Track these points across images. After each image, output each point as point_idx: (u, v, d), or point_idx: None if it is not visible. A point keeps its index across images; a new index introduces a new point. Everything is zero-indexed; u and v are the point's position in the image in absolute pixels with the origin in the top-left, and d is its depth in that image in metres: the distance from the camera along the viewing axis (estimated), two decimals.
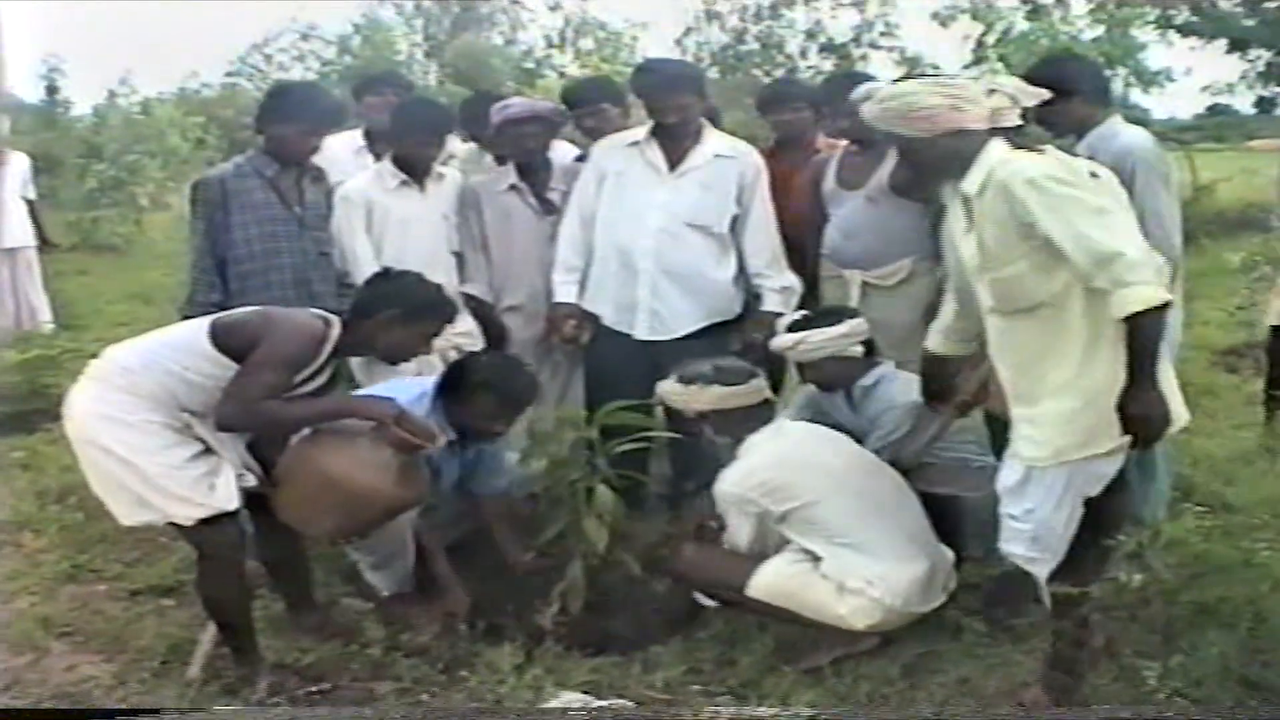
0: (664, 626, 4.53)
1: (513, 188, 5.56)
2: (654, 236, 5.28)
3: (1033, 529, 3.81)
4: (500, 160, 5.83)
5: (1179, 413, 3.69)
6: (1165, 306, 3.45)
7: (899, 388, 4.71)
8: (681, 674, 4.17)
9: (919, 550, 4.32)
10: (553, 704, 3.90)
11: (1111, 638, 4.03)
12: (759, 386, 4.50)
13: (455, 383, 4.63)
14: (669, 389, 4.53)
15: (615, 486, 4.49)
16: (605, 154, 5.44)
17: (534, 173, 5.58)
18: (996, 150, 3.71)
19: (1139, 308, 3.43)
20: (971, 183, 3.73)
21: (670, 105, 5.24)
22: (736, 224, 5.35)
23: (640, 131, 5.38)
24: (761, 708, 3.91)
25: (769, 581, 4.25)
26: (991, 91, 3.91)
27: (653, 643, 4.40)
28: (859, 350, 4.76)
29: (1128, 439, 3.60)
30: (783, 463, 4.36)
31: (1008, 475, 3.86)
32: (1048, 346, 3.70)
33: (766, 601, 4.27)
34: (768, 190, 5.35)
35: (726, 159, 5.32)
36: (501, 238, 5.51)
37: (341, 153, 5.83)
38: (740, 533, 4.35)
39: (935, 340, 4.29)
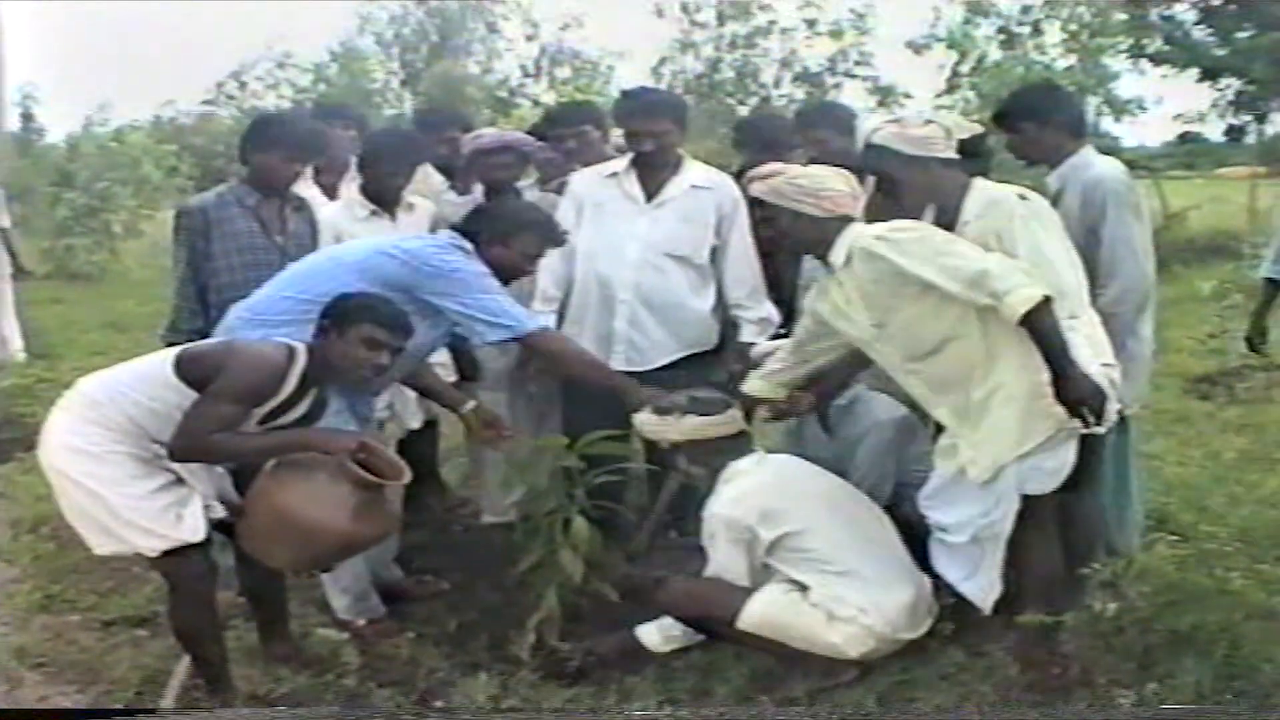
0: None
1: None
2: (633, 268, 5.27)
3: (967, 537, 4.08)
4: (461, 192, 5.86)
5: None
6: (1048, 300, 3.80)
7: (876, 406, 4.75)
8: (657, 704, 4.16)
9: (905, 576, 4.33)
10: None
11: (1087, 666, 4.05)
12: (734, 418, 4.51)
13: (493, 224, 4.62)
14: (644, 420, 4.53)
15: (592, 517, 4.48)
16: (584, 185, 5.42)
17: None
18: (853, 229, 4.16)
19: (1026, 308, 3.78)
20: (838, 256, 4.18)
21: (646, 132, 5.22)
22: (716, 255, 5.34)
23: (620, 163, 5.37)
24: None
25: (761, 613, 4.25)
26: (928, 122, 4.14)
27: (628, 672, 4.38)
28: None
29: (1061, 428, 3.91)
30: (774, 488, 4.40)
31: (934, 481, 4.18)
32: (966, 373, 4.01)
33: (756, 634, 4.28)
34: (747, 221, 5.33)
35: (704, 190, 5.30)
36: None
37: None
38: (729, 561, 4.33)
39: (756, 385, 4.64)
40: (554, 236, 4.76)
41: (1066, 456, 3.99)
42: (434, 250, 4.46)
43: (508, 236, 4.57)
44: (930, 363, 4.08)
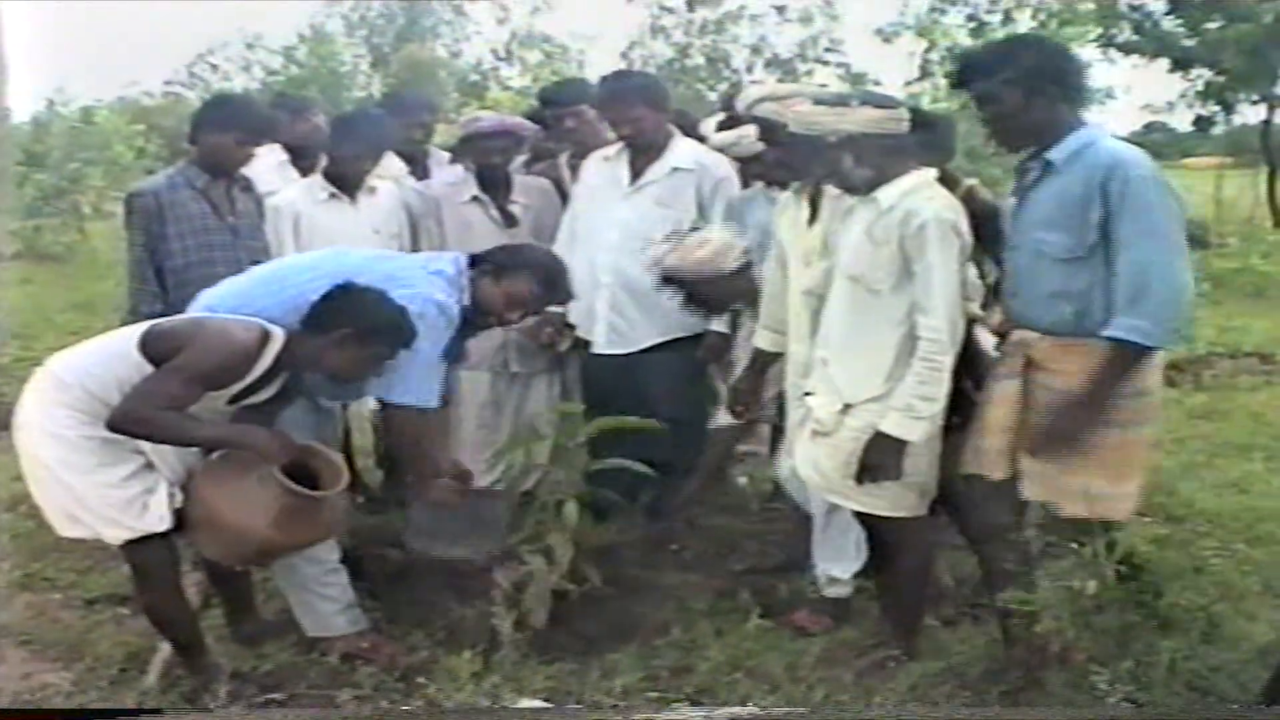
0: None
1: (475, 199, 5.60)
2: (613, 252, 5.32)
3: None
4: (421, 177, 5.94)
5: None
6: None
7: None
8: (639, 680, 4.19)
9: None
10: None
11: (1065, 644, 4.10)
12: (903, 115, 4.10)
13: (504, 262, 4.53)
14: (809, 111, 4.08)
15: (586, 501, 4.50)
16: (589, 166, 5.52)
17: (496, 185, 5.62)
18: None
19: None
20: None
21: (621, 119, 5.29)
22: None
23: (615, 146, 5.42)
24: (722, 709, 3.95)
25: None
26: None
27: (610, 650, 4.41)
28: None
29: None
30: None
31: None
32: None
33: None
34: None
35: (685, 172, 5.30)
36: (461, 248, 5.49)
37: (263, 166, 5.69)
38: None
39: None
40: (551, 294, 4.69)
41: None
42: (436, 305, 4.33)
43: (501, 272, 4.50)
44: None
